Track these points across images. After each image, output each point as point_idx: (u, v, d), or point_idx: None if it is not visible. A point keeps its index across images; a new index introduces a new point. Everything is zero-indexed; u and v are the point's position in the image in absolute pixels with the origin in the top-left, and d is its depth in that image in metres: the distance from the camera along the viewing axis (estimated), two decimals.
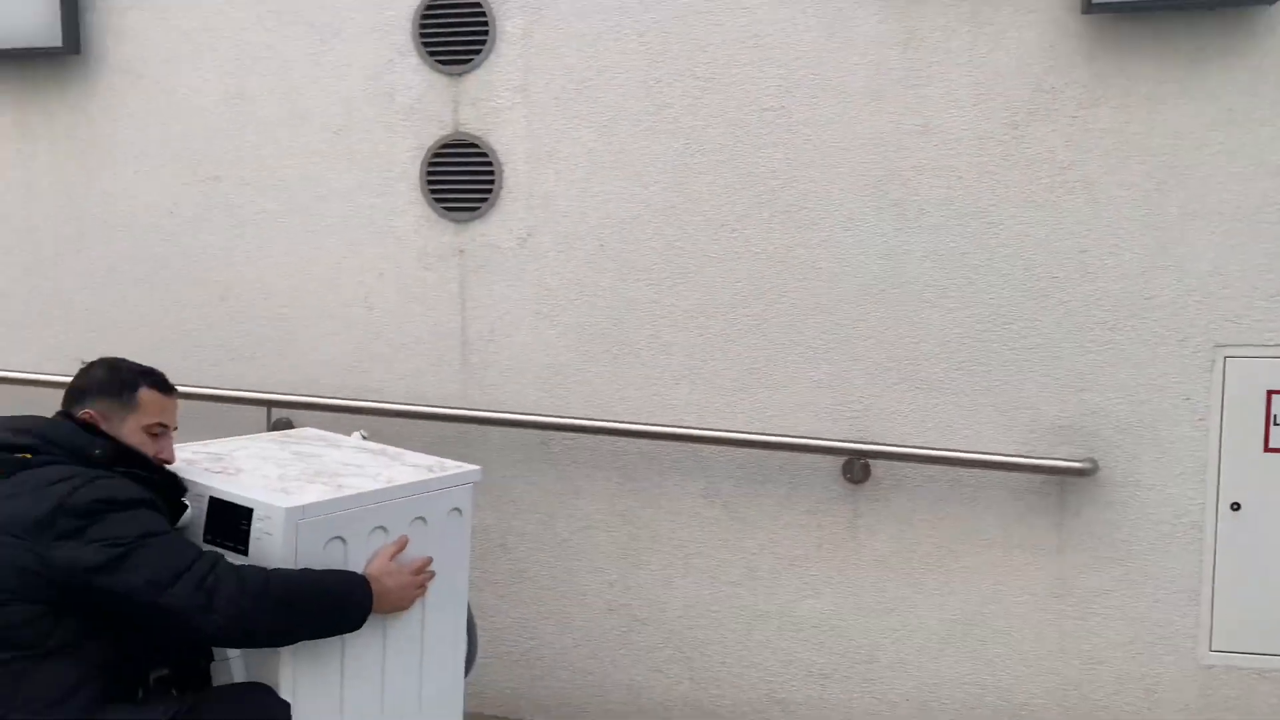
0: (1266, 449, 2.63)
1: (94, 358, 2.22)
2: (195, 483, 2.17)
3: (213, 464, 2.28)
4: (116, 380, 2.12)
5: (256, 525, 2.05)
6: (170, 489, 2.11)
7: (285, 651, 2.03)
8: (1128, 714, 2.73)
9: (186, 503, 2.14)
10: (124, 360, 2.19)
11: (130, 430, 2.09)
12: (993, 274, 2.74)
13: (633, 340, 2.99)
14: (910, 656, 2.86)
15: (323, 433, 2.78)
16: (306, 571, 2.01)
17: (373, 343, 3.18)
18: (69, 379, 3.23)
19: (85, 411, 2.09)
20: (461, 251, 3.09)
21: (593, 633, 3.09)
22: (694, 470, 2.97)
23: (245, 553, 2.05)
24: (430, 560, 2.24)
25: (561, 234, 3.01)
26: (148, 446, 2.10)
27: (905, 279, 2.79)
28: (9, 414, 2.14)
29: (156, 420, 2.14)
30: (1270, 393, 2.62)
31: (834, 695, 2.92)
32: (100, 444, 2.02)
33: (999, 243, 2.73)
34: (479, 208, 3.05)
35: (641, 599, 3.04)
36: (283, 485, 2.17)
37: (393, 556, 2.15)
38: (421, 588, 2.22)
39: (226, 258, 3.28)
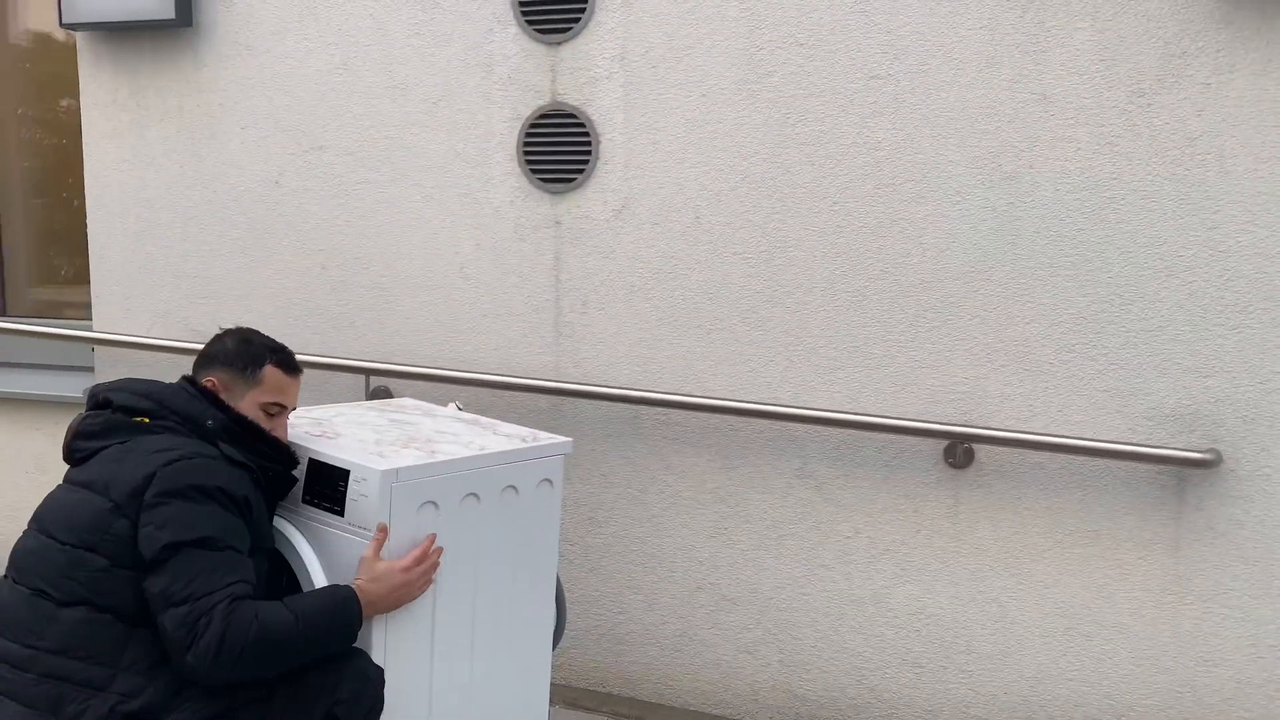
0: None
1: (226, 325, 2.28)
2: (296, 445, 2.21)
3: (313, 428, 2.33)
4: (245, 353, 2.15)
5: (353, 487, 2.08)
6: (282, 462, 2.14)
7: (377, 621, 2.06)
8: None
9: (297, 476, 2.18)
10: (257, 334, 2.22)
11: (247, 405, 2.12)
12: (1111, 252, 2.59)
13: (727, 315, 2.93)
14: (1010, 649, 2.75)
15: (420, 402, 2.81)
16: (295, 606, 1.91)
17: (468, 313, 3.19)
18: (178, 344, 3.38)
19: (208, 379, 2.13)
20: (557, 223, 3.07)
21: (681, 610, 3.06)
22: (788, 450, 2.90)
23: (341, 513, 2.10)
24: (432, 540, 2.12)
25: (657, 206, 2.97)
26: (262, 423, 2.13)
27: (1016, 256, 2.66)
28: (121, 376, 2.21)
29: (275, 400, 2.16)
30: None
31: (928, 685, 2.83)
32: (213, 415, 2.05)
33: (1119, 219, 2.58)
34: (575, 179, 3.02)
35: (731, 578, 3.00)
36: (379, 449, 2.20)
37: (375, 554, 2.04)
38: (425, 577, 2.10)
39: (328, 227, 3.33)
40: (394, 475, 2.07)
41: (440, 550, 2.14)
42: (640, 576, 3.10)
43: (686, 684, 3.08)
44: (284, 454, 2.15)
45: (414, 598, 2.09)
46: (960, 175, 2.69)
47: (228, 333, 2.22)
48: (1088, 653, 2.69)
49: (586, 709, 3.10)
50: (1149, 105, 2.53)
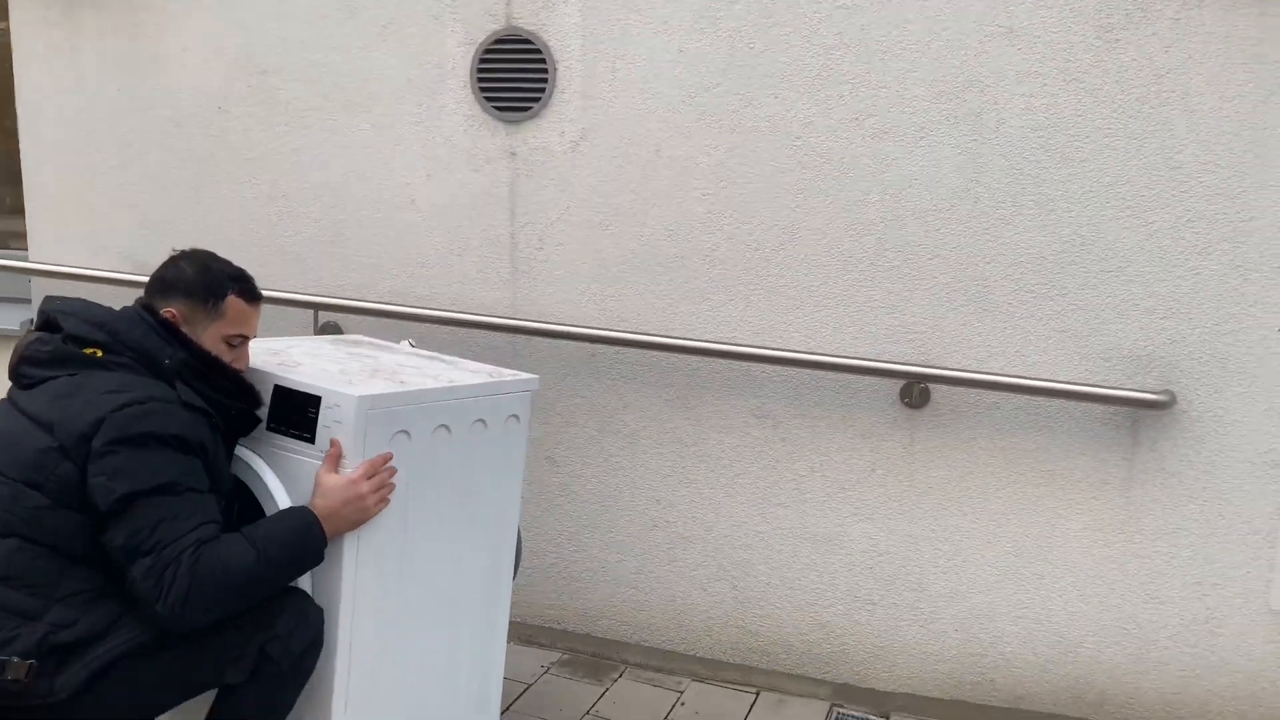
0: None
1: (172, 250, 2.13)
2: (258, 371, 2.14)
3: (271, 357, 2.26)
4: (205, 282, 2.03)
5: (325, 413, 2.03)
6: (246, 400, 2.07)
7: (348, 550, 2.03)
8: (1189, 656, 2.63)
9: (260, 416, 2.11)
10: (215, 259, 2.10)
11: (210, 337, 2.03)
12: (1074, 190, 2.56)
13: (687, 253, 2.87)
14: (962, 587, 2.78)
15: (373, 339, 2.74)
16: (256, 537, 1.87)
17: (420, 247, 3.11)
18: (119, 275, 3.27)
19: (168, 310, 2.01)
20: (512, 154, 2.98)
21: (637, 548, 3.05)
22: (745, 389, 2.88)
23: (312, 440, 2.04)
24: (386, 458, 2.06)
25: (616, 138, 2.88)
26: (224, 355, 2.04)
27: (979, 194, 2.63)
28: None
29: (238, 331, 2.07)
30: None
31: (880, 622, 2.86)
32: (170, 354, 1.95)
33: (1083, 157, 2.55)
34: (531, 108, 2.92)
35: (687, 517, 2.99)
36: (346, 378, 2.14)
37: (329, 471, 2.00)
38: (380, 494, 2.03)
39: (274, 156, 3.21)
40: (369, 402, 2.03)
41: (394, 470, 2.08)
42: (597, 515, 3.08)
43: (642, 620, 3.08)
44: (248, 393, 2.08)
45: (370, 514, 2.02)
46: (924, 110, 2.64)
47: (183, 256, 2.09)
48: (1038, 590, 2.72)
49: (542, 645, 3.11)
50: (1116, 41, 2.48)
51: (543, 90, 2.91)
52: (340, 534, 2.00)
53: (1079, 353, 2.60)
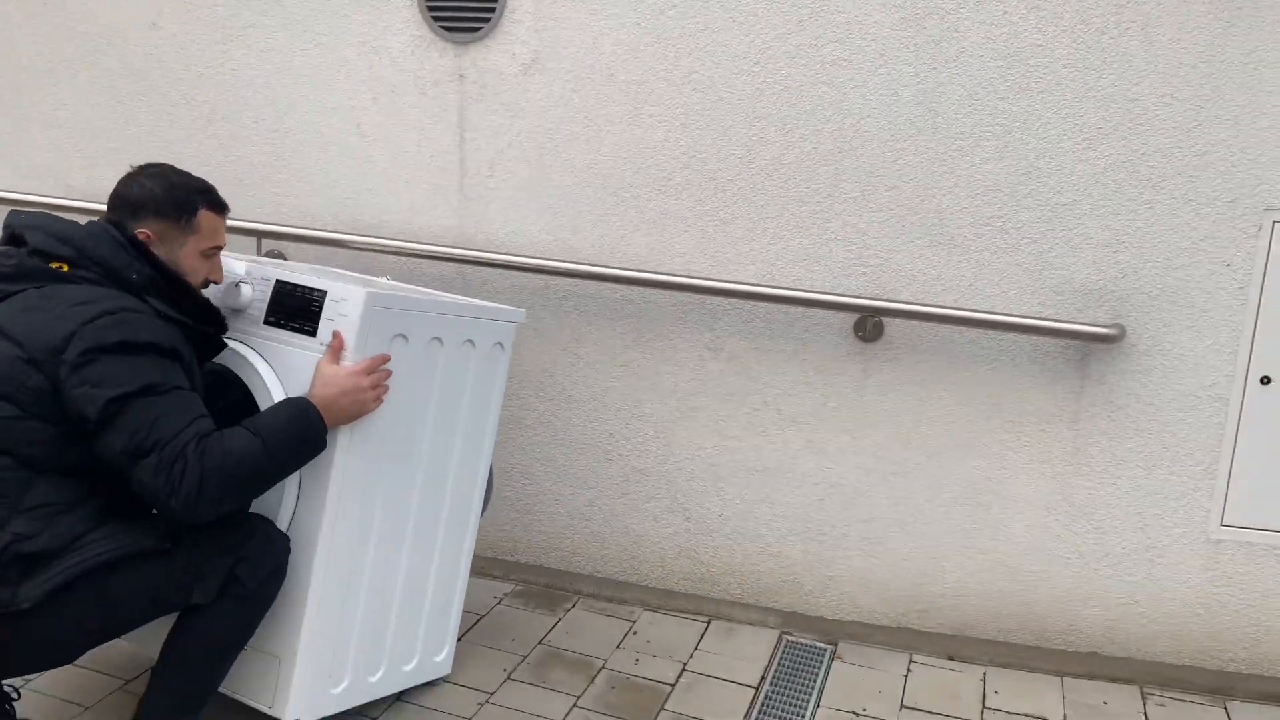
0: None
1: (130, 166, 2.07)
2: (260, 267, 2.17)
3: (263, 264, 2.26)
4: (174, 199, 2.01)
5: (329, 307, 2.06)
6: (209, 321, 2.05)
7: (340, 445, 2.06)
8: (1128, 584, 2.69)
9: (226, 340, 2.10)
10: (177, 173, 2.06)
11: (187, 254, 2.02)
12: (1031, 122, 2.53)
13: (641, 181, 2.82)
14: (910, 518, 2.81)
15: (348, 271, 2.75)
16: (257, 428, 1.90)
17: (366, 174, 3.01)
18: (52, 200, 3.13)
19: (141, 230, 1.98)
20: (461, 77, 2.88)
21: (590, 480, 3.04)
22: (700, 321, 2.85)
23: (314, 334, 2.07)
24: (384, 358, 2.09)
25: (569, 61, 2.80)
26: (201, 270, 2.04)
27: (937, 124, 2.59)
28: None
29: (213, 244, 2.07)
30: None
31: (831, 553, 2.89)
32: (138, 269, 1.93)
33: (1041, 88, 2.51)
34: (480, 28, 2.82)
35: (641, 450, 2.98)
36: (346, 282, 2.15)
37: (330, 362, 2.03)
38: (377, 391, 2.07)
39: (213, 76, 3.07)
40: (375, 299, 2.06)
41: (390, 373, 2.11)
42: (550, 448, 3.06)
43: (594, 552, 3.09)
44: (213, 315, 2.08)
45: (368, 408, 2.06)
46: (884, 37, 2.58)
47: (144, 173, 2.04)
48: (985, 521, 2.76)
49: (495, 577, 3.11)
50: None
51: (493, 9, 2.80)
52: (337, 425, 2.03)
53: (1032, 286, 2.60)
